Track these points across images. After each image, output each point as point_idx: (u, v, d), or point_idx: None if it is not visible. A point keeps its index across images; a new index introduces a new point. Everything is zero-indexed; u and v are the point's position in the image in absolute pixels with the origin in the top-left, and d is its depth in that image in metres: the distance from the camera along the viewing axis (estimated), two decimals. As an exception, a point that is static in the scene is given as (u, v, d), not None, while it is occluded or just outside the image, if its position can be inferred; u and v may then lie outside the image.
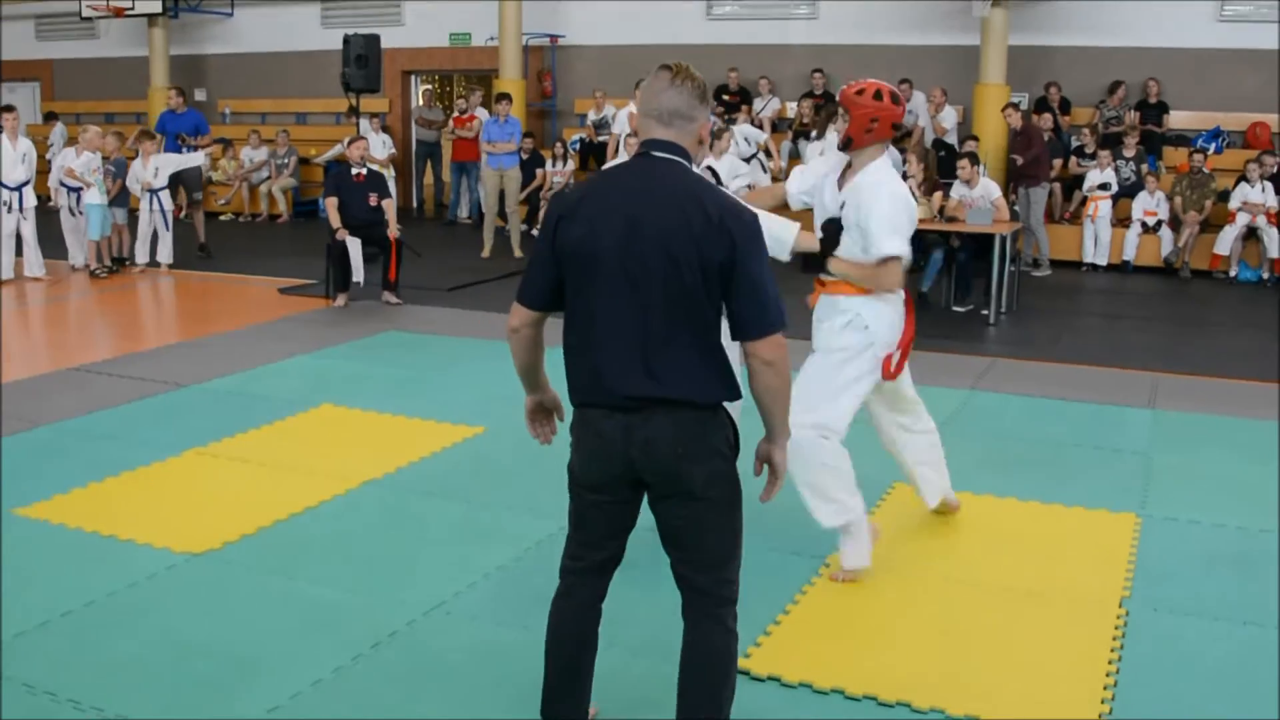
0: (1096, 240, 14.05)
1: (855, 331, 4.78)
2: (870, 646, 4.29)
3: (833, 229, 4.78)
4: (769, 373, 3.04)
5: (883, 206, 4.60)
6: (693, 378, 3.04)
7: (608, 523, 3.25)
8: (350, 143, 11.18)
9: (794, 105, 16.33)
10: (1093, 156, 14.30)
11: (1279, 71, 14.30)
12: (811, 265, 5.13)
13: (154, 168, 12.83)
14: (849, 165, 4.81)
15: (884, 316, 4.80)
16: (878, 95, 4.68)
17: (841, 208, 4.74)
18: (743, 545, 3.25)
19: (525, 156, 15.06)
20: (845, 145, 4.74)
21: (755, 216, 3.05)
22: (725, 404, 3.14)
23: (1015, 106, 13.62)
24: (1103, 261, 14.05)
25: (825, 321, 4.88)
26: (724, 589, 3.20)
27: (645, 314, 3.00)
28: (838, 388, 4.77)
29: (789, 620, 4.44)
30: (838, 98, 4.81)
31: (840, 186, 4.80)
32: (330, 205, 10.67)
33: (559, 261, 3.08)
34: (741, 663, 4.02)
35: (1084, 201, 14.19)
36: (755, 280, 3.00)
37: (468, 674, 4.02)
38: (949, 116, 15.13)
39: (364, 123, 14.38)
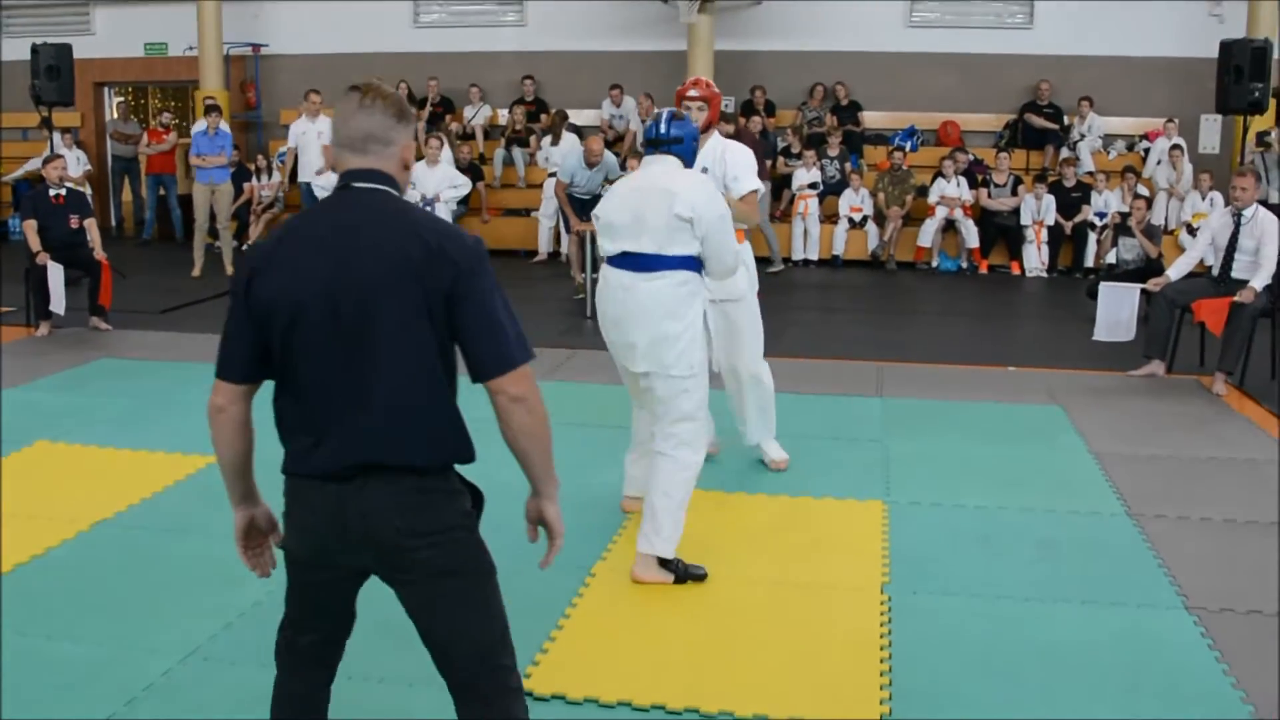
0: (807, 236, 14.55)
1: (746, 273, 5.85)
2: (649, 654, 4.25)
3: None
4: (520, 411, 2.64)
5: (742, 156, 5.83)
6: (415, 438, 2.66)
7: (327, 603, 2.89)
8: (46, 161, 10.46)
9: (505, 112, 16.26)
10: (799, 156, 14.79)
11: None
12: None
13: None
14: None
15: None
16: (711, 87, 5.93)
17: (705, 172, 5.67)
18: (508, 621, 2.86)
19: (232, 170, 14.48)
20: (706, 128, 5.81)
21: (479, 241, 2.70)
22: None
23: (726, 119, 13.89)
24: (814, 257, 14.57)
25: None
26: (501, 677, 2.81)
27: (360, 366, 2.63)
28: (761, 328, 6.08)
29: (564, 635, 4.36)
30: (696, 95, 5.79)
31: None
32: (28, 228, 9.94)
33: (258, 322, 2.68)
34: (523, 683, 3.93)
35: (793, 200, 14.66)
36: (487, 309, 2.64)
37: (236, 722, 3.77)
38: (660, 121, 15.37)
39: (57, 138, 13.52)
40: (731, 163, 5.80)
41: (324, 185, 11.95)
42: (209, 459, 6.39)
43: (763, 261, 13.76)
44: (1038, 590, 4.78)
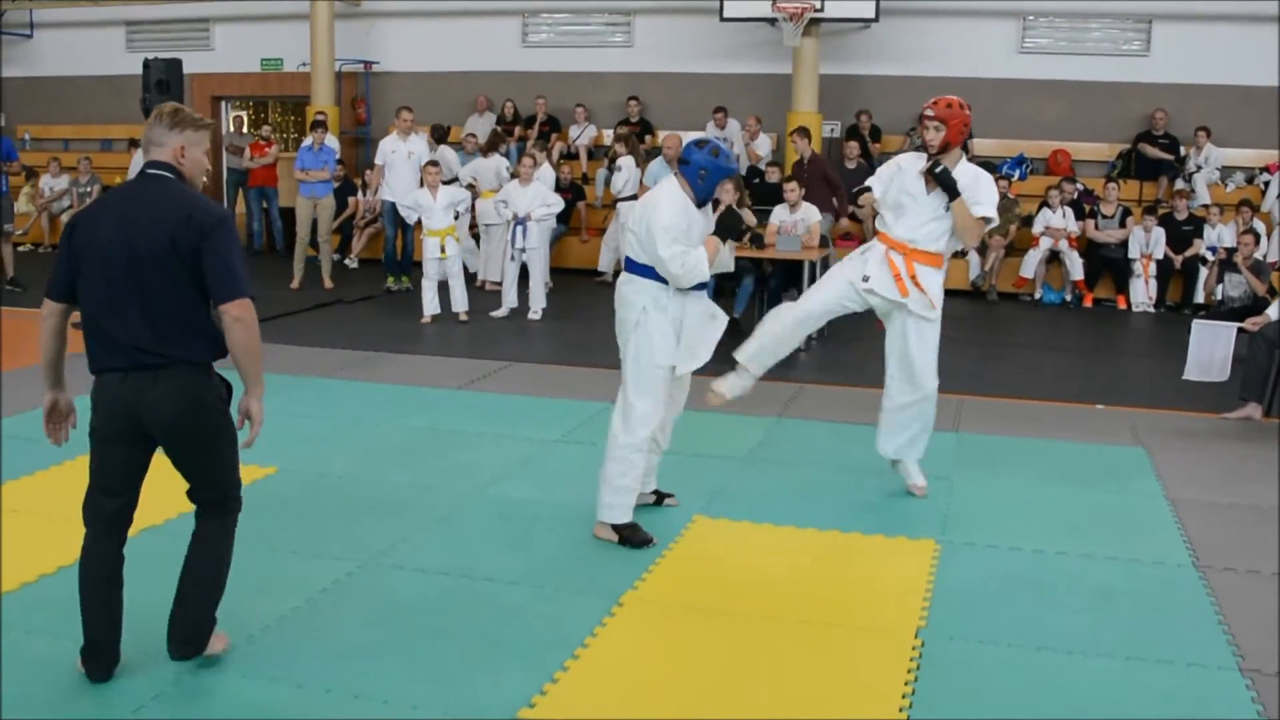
0: (907, 264, 14.26)
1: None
2: (659, 690, 4.15)
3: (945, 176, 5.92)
4: (239, 327, 3.82)
5: (987, 186, 5.95)
6: (185, 342, 3.83)
7: (124, 472, 3.98)
8: (145, 171, 10.70)
9: (610, 133, 16.28)
10: (903, 183, 14.52)
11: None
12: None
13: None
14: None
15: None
16: (962, 106, 5.90)
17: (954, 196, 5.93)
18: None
19: (337, 184, 14.71)
20: (944, 149, 5.87)
21: (223, 211, 3.93)
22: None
23: (802, 132, 13.57)
24: (914, 285, 14.25)
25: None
26: (233, 501, 4.17)
27: (142, 293, 3.77)
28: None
29: (578, 665, 4.28)
30: (931, 114, 5.86)
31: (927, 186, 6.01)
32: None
33: (74, 260, 3.84)
34: (524, 713, 3.87)
35: (895, 227, 14.39)
36: (222, 258, 3.80)
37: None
38: (764, 144, 15.19)
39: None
40: (981, 191, 5.96)
41: (411, 205, 11.86)
42: (269, 470, 6.50)
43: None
44: (1082, 642, 4.56)
